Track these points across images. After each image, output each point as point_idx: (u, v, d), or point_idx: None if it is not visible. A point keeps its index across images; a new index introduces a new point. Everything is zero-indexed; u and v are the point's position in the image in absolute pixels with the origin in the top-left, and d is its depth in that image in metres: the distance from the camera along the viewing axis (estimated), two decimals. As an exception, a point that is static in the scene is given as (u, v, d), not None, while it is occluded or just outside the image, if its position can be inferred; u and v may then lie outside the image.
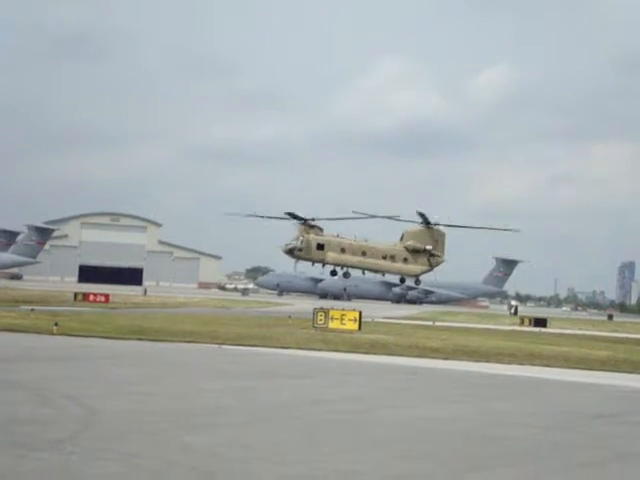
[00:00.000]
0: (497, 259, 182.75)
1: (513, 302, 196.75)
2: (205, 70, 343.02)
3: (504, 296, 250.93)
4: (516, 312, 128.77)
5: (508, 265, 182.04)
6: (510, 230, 66.89)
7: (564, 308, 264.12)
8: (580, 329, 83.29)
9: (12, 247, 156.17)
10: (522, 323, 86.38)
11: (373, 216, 63.82)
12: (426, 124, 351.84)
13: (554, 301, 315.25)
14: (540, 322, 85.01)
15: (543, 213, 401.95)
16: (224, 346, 37.57)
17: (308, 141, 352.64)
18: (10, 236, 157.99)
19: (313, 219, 64.14)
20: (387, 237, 68.85)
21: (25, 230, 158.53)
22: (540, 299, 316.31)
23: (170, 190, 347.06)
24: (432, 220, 65.07)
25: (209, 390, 23.18)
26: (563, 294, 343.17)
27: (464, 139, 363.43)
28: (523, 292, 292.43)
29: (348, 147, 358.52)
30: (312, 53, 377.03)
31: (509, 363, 36.66)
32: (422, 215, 64.76)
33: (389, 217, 64.70)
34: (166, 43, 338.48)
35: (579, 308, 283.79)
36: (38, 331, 39.51)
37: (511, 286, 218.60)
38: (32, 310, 54.96)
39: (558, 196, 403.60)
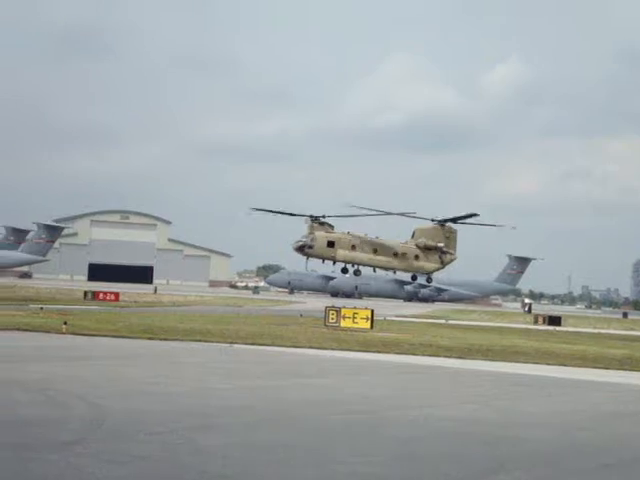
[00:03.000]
0: (510, 256, 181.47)
1: (527, 300, 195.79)
2: (211, 67, 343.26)
3: (517, 294, 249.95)
4: (530, 310, 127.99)
5: (521, 262, 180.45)
6: (502, 226, 66.68)
7: (578, 306, 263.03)
8: (595, 327, 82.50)
9: (22, 245, 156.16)
10: (536, 321, 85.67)
11: (384, 213, 63.07)
12: (437, 119, 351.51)
13: (568, 299, 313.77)
14: (554, 320, 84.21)
15: (557, 210, 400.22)
16: (235, 345, 37.15)
17: (317, 138, 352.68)
18: (20, 234, 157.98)
19: (323, 216, 63.55)
20: (399, 235, 68.18)
21: (34, 228, 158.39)
22: (554, 297, 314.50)
23: (178, 187, 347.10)
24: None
25: (220, 389, 22.77)
26: (577, 292, 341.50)
27: (476, 134, 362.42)
28: (537, 290, 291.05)
29: (358, 144, 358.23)
30: (320, 50, 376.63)
31: (524, 362, 36.11)
32: (455, 219, 64.09)
33: (401, 214, 64.07)
34: (171, 40, 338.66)
35: (593, 306, 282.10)
36: (47, 330, 39.15)
37: (524, 284, 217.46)
38: (41, 309, 54.70)
39: (572, 192, 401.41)
